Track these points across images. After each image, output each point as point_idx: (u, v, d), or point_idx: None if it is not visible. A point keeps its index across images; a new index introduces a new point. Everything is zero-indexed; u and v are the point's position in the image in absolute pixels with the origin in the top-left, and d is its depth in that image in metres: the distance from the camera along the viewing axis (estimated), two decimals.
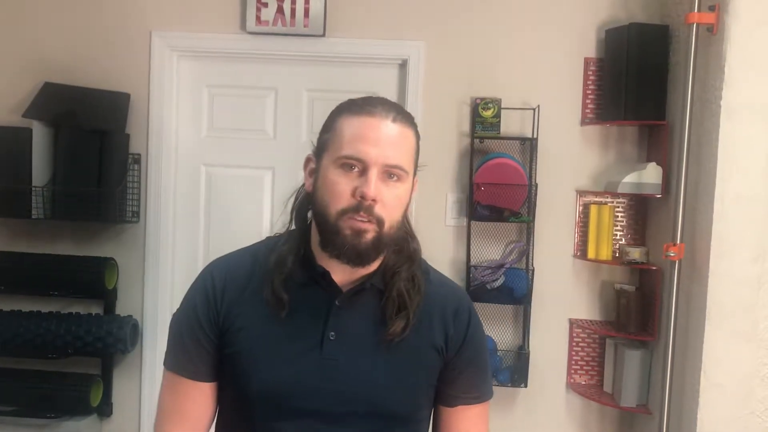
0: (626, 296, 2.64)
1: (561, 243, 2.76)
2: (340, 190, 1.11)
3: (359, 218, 1.10)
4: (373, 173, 1.10)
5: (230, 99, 2.90)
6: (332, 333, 1.15)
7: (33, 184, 2.62)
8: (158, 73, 2.82)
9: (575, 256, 2.76)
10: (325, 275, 1.16)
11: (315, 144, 1.20)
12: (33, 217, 2.63)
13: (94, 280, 2.72)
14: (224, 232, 2.89)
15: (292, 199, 1.23)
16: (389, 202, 1.12)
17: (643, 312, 2.62)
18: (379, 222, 1.11)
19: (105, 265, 2.74)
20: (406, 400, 1.18)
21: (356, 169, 1.11)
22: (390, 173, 1.12)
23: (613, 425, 2.78)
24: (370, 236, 1.11)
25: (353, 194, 1.10)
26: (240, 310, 1.18)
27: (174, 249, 2.90)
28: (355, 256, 1.12)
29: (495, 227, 2.76)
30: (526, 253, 2.73)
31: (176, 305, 3.10)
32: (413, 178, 1.19)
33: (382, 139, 1.11)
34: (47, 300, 2.82)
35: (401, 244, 1.21)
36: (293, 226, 1.23)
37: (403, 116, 1.16)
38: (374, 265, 1.18)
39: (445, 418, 1.25)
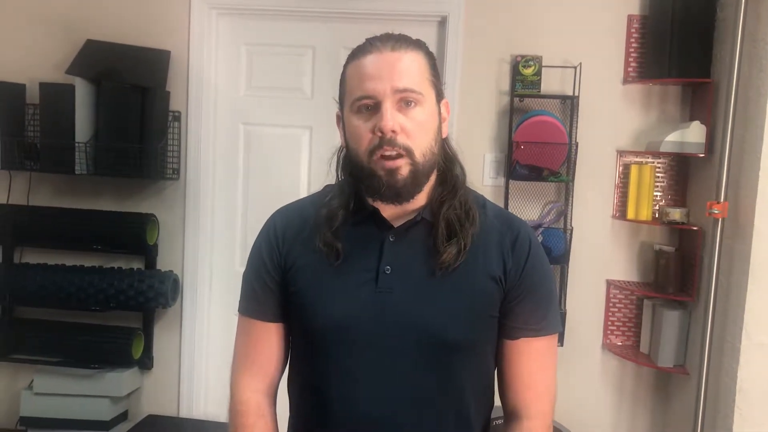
0: (665, 257, 2.62)
1: (600, 203, 2.74)
2: (361, 132, 1.13)
3: (386, 153, 1.11)
4: (387, 106, 1.11)
5: (268, 57, 2.90)
6: (387, 267, 1.17)
7: (76, 140, 2.66)
8: (198, 30, 2.82)
9: (614, 216, 2.74)
10: (376, 213, 1.19)
11: (338, 100, 1.23)
12: (76, 172, 2.67)
13: (136, 235, 2.76)
14: (262, 190, 2.92)
15: (335, 159, 1.25)
16: (412, 129, 1.12)
17: (683, 273, 2.60)
18: (408, 152, 1.12)
19: (146, 221, 2.78)
20: (462, 329, 1.16)
21: (370, 109, 1.12)
22: (405, 100, 1.12)
23: (648, 386, 2.78)
24: (405, 171, 1.12)
25: (373, 132, 1.12)
26: (299, 250, 1.22)
27: (213, 206, 2.93)
28: (395, 194, 1.14)
29: (533, 187, 2.74)
30: (564, 213, 2.71)
31: (216, 260, 3.13)
32: (439, 100, 1.19)
33: (384, 70, 1.11)
34: (90, 255, 2.88)
35: (444, 172, 1.21)
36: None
37: (405, 42, 1.15)
38: (422, 199, 1.19)
39: (508, 351, 1.22)
